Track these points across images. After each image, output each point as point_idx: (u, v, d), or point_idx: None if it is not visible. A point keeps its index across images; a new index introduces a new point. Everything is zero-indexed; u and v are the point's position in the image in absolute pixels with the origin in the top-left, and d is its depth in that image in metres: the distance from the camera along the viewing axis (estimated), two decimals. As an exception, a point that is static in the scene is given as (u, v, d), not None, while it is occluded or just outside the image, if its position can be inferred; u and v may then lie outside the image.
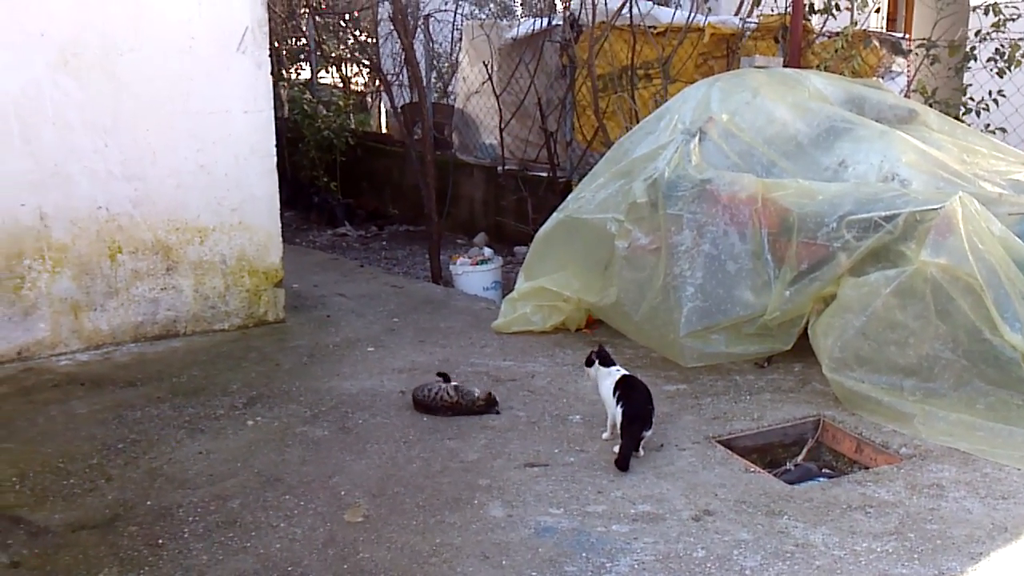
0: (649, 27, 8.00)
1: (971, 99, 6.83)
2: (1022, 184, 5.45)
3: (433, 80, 11.17)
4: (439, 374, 4.88)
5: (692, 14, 7.84)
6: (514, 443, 4.33)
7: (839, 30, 7.07)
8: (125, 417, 4.59)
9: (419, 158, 8.48)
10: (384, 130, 15.23)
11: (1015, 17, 6.60)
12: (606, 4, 7.99)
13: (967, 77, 6.77)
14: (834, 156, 5.54)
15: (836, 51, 6.74)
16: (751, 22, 7.72)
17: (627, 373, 4.34)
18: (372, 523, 3.59)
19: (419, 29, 10.91)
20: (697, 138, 5.52)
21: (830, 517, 3.59)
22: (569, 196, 6.13)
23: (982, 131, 6.61)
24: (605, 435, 4.35)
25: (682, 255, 5.15)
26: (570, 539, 3.47)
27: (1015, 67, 6.59)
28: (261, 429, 4.49)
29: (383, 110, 16.04)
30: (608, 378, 4.31)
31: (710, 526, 3.55)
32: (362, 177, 12.29)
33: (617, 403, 4.18)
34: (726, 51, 7.88)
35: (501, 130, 9.67)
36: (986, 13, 6.67)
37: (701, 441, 4.33)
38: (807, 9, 7.05)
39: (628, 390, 4.21)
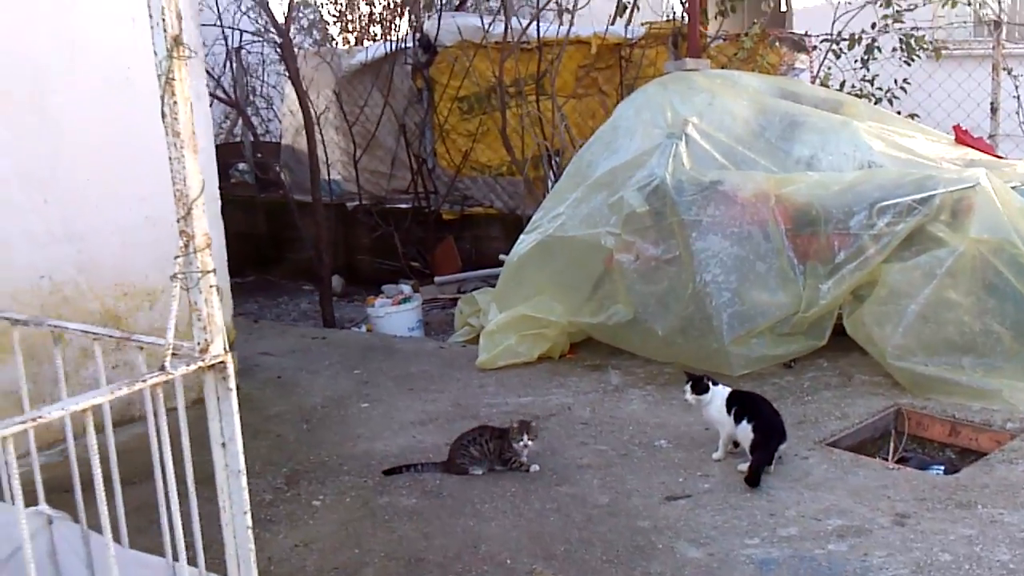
0: (521, 43, 7.76)
1: (879, 88, 7.14)
2: (974, 162, 5.72)
3: (251, 116, 10.34)
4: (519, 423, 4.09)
5: (568, 27, 7.68)
6: (629, 478, 3.95)
7: (728, 32, 7.18)
8: (167, 521, 3.75)
9: (303, 206, 7.80)
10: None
11: (912, 7, 6.97)
12: (483, 22, 7.69)
13: (874, 68, 7.07)
14: (804, 149, 5.57)
15: (743, 50, 6.82)
16: (638, 30, 7.69)
17: (733, 389, 4.09)
18: (578, 589, 3.12)
19: (230, 64, 10.06)
20: (684, 140, 5.36)
21: (1021, 499, 3.51)
22: (536, 216, 5.78)
23: (896, 118, 6.90)
24: (717, 455, 4.06)
25: (710, 260, 4.95)
26: (801, 568, 3.16)
27: (923, 54, 6.95)
28: (335, 508, 3.82)
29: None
30: (717, 398, 4.03)
31: (921, 528, 3.36)
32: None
33: (740, 420, 3.91)
34: (617, 61, 7.78)
35: (356, 162, 9.09)
36: (883, 6, 7.00)
37: (813, 447, 4.14)
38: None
39: (751, 404, 3.95)
